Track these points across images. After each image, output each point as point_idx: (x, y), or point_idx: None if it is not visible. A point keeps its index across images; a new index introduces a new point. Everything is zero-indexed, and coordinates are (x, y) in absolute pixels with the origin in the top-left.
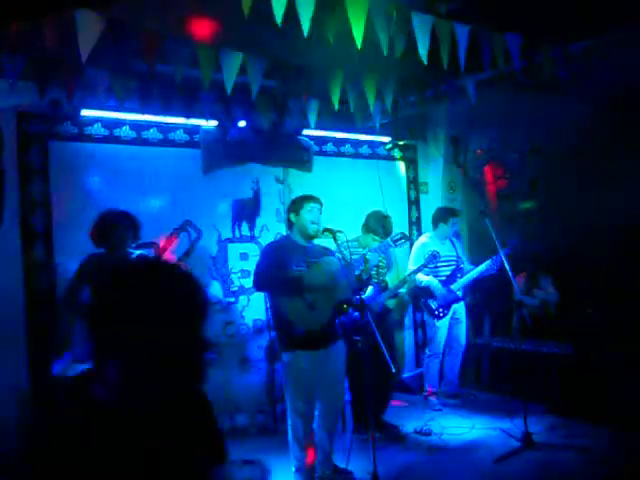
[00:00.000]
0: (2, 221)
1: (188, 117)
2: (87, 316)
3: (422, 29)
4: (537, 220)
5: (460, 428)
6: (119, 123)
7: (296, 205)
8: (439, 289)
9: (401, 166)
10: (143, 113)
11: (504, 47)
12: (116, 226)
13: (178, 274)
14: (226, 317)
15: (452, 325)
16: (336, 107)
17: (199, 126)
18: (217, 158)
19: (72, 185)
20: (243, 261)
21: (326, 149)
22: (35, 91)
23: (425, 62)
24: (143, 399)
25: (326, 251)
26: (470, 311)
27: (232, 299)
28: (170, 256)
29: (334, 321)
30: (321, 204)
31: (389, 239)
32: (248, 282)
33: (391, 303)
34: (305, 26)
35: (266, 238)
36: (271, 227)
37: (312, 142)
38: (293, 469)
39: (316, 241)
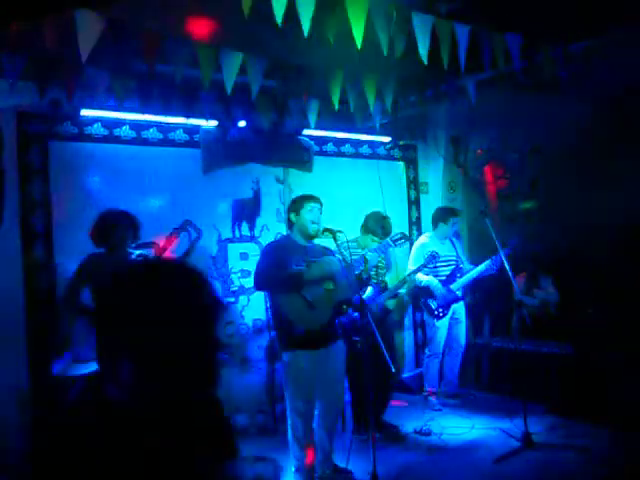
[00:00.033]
0: (2, 221)
1: (188, 117)
2: (96, 317)
3: (422, 29)
4: (537, 220)
5: (460, 428)
6: (119, 123)
7: (296, 205)
8: (439, 289)
9: (401, 166)
10: (143, 113)
11: (504, 47)
12: (116, 226)
13: (189, 274)
14: (226, 317)
15: (452, 325)
16: (336, 107)
17: (199, 126)
18: (217, 158)
19: (72, 185)
20: (243, 261)
21: (326, 149)
22: (35, 91)
23: (425, 62)
24: (156, 399)
25: (326, 251)
26: (470, 311)
27: (232, 299)
28: (170, 256)
29: (334, 321)
30: (321, 204)
31: (389, 239)
32: (248, 282)
33: (391, 303)
34: (305, 26)
35: (266, 238)
36: (271, 227)
37: (312, 142)
38: (293, 469)
39: (316, 241)
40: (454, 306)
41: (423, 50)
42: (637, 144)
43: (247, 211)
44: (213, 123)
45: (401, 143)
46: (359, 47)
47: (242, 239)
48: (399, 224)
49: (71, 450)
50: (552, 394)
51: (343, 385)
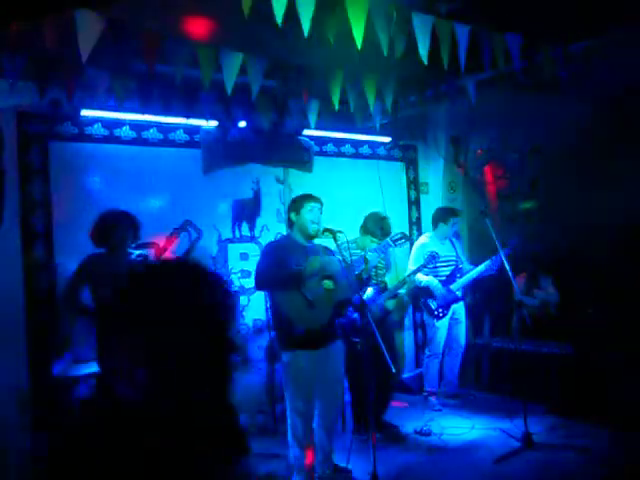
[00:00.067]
0: (2, 221)
1: (188, 117)
2: (108, 318)
3: (422, 29)
4: (537, 220)
5: (460, 428)
6: (119, 123)
7: (297, 204)
8: (439, 289)
9: (401, 166)
10: (143, 113)
11: (504, 47)
12: (116, 226)
13: (205, 274)
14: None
15: (452, 325)
16: (336, 107)
17: (199, 126)
18: (217, 158)
19: (72, 185)
20: (243, 261)
21: (326, 149)
22: (35, 91)
23: (425, 62)
24: (170, 399)
25: (326, 251)
26: (470, 311)
27: None
28: (170, 256)
29: (334, 321)
30: (321, 204)
31: (389, 239)
32: (248, 282)
33: (390, 304)
34: (305, 26)
35: (266, 238)
36: (271, 227)
37: (312, 142)
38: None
39: (316, 241)
40: (454, 306)
41: (423, 50)
42: (637, 144)
43: (247, 211)
44: (213, 123)
45: (401, 143)
46: (359, 47)
47: (242, 239)
48: (399, 224)
49: (87, 450)
50: (552, 394)
51: (343, 385)
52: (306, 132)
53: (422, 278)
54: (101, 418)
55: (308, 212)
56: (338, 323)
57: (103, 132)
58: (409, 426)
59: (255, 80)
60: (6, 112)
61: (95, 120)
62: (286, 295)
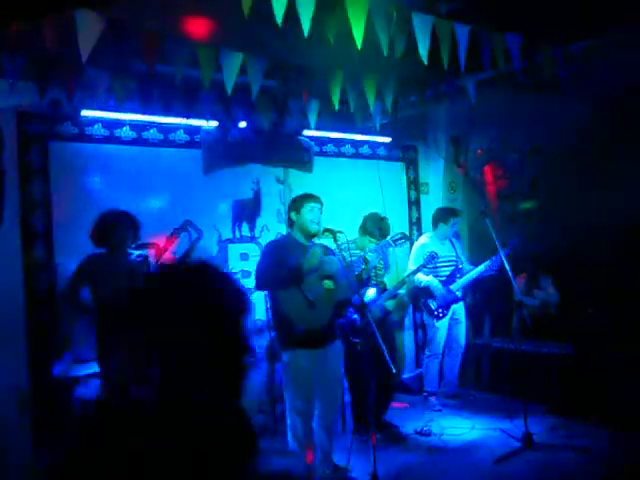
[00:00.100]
0: (2, 221)
1: (188, 117)
2: (120, 318)
3: (422, 29)
4: (537, 220)
5: (460, 429)
6: (119, 123)
7: (297, 204)
8: (439, 289)
9: (401, 166)
10: (143, 113)
11: (504, 47)
12: (116, 226)
13: (218, 275)
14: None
15: (451, 325)
16: (336, 107)
17: (199, 126)
18: (217, 158)
19: (72, 185)
20: (243, 261)
21: (326, 149)
22: (35, 91)
23: (425, 62)
24: (185, 400)
25: (326, 251)
26: (470, 311)
27: None
28: (170, 256)
29: (334, 321)
30: (322, 204)
31: (389, 238)
32: (248, 282)
33: (390, 304)
34: (305, 26)
35: (266, 238)
36: (271, 227)
37: (312, 142)
38: None
39: (316, 241)
40: (454, 306)
41: (423, 50)
42: (637, 144)
43: (247, 211)
44: (213, 124)
45: (401, 143)
46: (359, 47)
47: (242, 240)
48: (399, 224)
49: (103, 449)
50: (552, 394)
51: (342, 385)
52: (306, 132)
53: (422, 278)
54: (113, 419)
55: (308, 212)
56: (338, 324)
57: (103, 132)
58: (409, 426)
59: (255, 80)
60: (6, 112)
61: (95, 120)
62: (286, 295)
